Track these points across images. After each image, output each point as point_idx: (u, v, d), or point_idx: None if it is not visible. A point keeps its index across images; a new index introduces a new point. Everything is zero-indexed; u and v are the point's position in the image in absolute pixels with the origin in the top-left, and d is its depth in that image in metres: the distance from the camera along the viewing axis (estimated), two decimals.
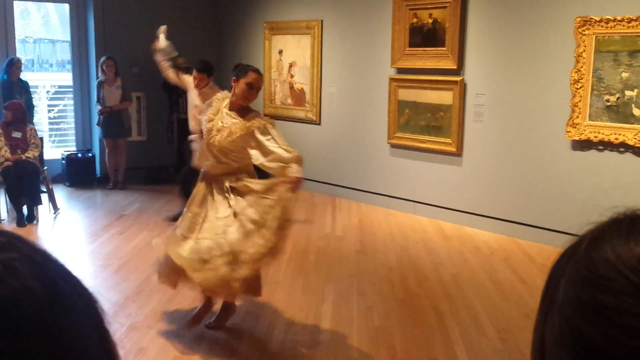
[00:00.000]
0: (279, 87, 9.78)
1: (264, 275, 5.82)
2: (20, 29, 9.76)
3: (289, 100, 9.64)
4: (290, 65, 9.56)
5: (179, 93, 8.69)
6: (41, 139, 8.48)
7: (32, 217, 7.46)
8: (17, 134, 7.57)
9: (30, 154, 7.52)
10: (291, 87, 9.58)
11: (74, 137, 10.02)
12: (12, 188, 7.34)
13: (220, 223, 4.25)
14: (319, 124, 9.25)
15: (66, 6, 9.75)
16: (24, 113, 7.71)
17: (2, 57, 9.06)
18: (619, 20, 6.07)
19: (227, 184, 4.33)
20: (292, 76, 9.56)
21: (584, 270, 0.62)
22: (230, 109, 4.41)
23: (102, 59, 9.16)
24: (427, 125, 7.77)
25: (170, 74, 7.50)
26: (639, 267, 0.58)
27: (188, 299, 5.19)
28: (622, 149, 6.23)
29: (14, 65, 8.57)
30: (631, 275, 0.58)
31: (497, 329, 4.70)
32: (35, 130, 7.81)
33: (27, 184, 7.36)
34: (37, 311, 0.54)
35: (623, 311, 0.57)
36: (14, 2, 9.34)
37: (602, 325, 0.58)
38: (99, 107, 9.20)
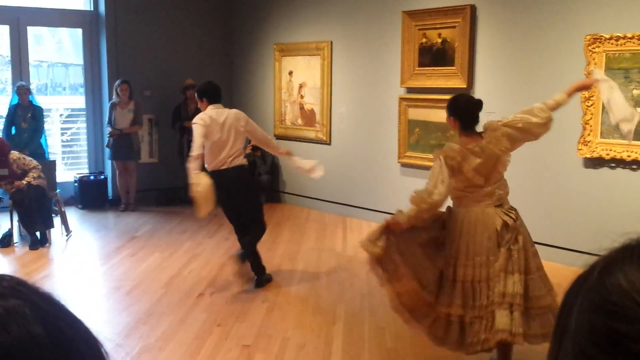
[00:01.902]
0: (289, 108, 9.81)
1: (276, 295, 5.81)
2: (35, 54, 9.87)
3: (299, 121, 9.67)
4: (301, 86, 9.60)
5: (188, 118, 8.80)
6: (53, 161, 8.53)
7: (44, 240, 7.47)
8: (3, 172, 7.28)
9: (30, 177, 7.34)
10: (301, 108, 9.62)
11: (86, 160, 10.08)
12: (22, 214, 7.33)
13: None
14: (329, 144, 9.27)
15: (79, 31, 9.86)
16: (2, 149, 7.35)
17: (16, 80, 9.16)
18: (629, 38, 6.06)
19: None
20: (302, 97, 9.60)
21: (596, 297, 0.62)
22: None
23: (117, 82, 9.23)
24: (437, 145, 7.74)
25: None
26: None
27: (199, 321, 5.18)
28: (634, 166, 6.19)
29: (20, 90, 8.62)
30: None
31: (513, 351, 4.64)
32: (22, 157, 7.46)
33: (36, 208, 7.33)
34: (41, 356, 0.53)
35: (636, 338, 0.57)
36: (28, 27, 9.45)
37: (615, 353, 0.58)
38: (109, 129, 9.25)
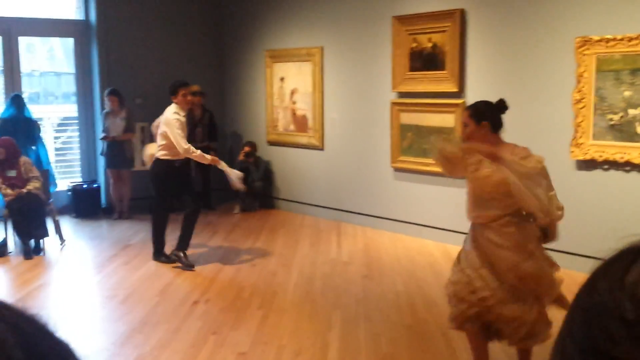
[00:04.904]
0: (282, 114, 9.81)
1: (271, 302, 5.81)
2: (27, 63, 9.86)
3: (292, 127, 9.67)
4: (292, 92, 9.61)
5: (194, 124, 8.95)
6: (46, 170, 8.53)
7: (39, 250, 7.46)
8: (11, 173, 7.51)
9: (31, 186, 7.47)
10: (293, 114, 9.62)
11: (79, 169, 10.07)
12: (18, 222, 7.34)
13: None
14: (322, 149, 9.27)
15: (71, 40, 9.85)
16: (15, 149, 7.62)
17: (9, 90, 9.15)
18: (620, 39, 6.08)
19: None
20: (294, 103, 9.60)
21: (585, 316, 0.62)
22: None
23: (106, 92, 9.24)
24: (430, 149, 7.77)
25: None
26: (636, 314, 0.57)
27: (194, 329, 5.17)
28: (627, 168, 6.21)
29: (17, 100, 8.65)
30: (630, 327, 0.57)
31: (508, 355, 4.65)
32: (30, 163, 7.73)
33: (32, 217, 7.37)
34: None
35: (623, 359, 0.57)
36: (19, 37, 9.44)
37: None
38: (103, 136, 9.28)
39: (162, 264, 7.01)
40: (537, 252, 4.03)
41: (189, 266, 6.83)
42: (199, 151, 6.92)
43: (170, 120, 6.73)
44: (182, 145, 6.70)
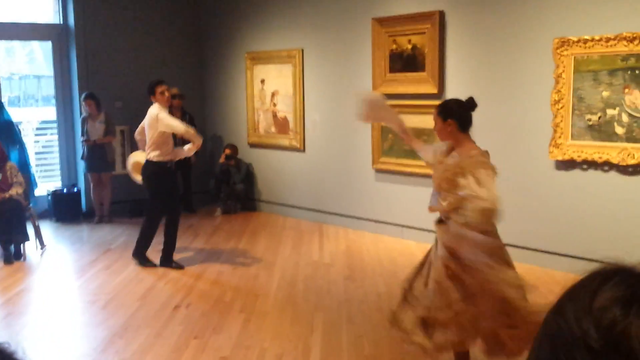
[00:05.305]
0: (263, 116, 9.80)
1: (253, 305, 5.79)
2: (6, 66, 9.78)
3: (273, 129, 9.66)
4: (273, 94, 9.59)
5: None
6: (27, 175, 8.46)
7: (19, 255, 7.39)
8: None
9: (14, 191, 7.44)
10: (274, 116, 9.61)
11: (59, 173, 9.99)
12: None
13: None
14: (304, 151, 9.27)
15: (49, 43, 9.77)
16: (2, 155, 7.60)
17: None
18: (597, 40, 6.13)
19: None
20: (275, 105, 9.59)
21: (552, 343, 0.61)
22: None
23: (82, 96, 9.19)
24: (411, 150, 7.76)
25: None
26: (601, 343, 0.57)
27: (175, 334, 5.15)
28: (606, 168, 6.27)
29: None
30: (596, 357, 0.57)
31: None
32: (15, 169, 7.70)
33: (13, 222, 7.30)
34: None
35: None
36: None
37: None
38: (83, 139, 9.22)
39: (143, 267, 6.98)
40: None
41: (179, 266, 7.00)
42: (193, 129, 7.04)
43: (157, 115, 6.74)
44: (180, 126, 6.83)
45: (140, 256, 7.09)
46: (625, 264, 0.65)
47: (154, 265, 7.01)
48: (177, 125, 6.82)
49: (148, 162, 6.88)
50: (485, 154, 4.01)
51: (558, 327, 0.60)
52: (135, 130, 7.19)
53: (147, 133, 6.86)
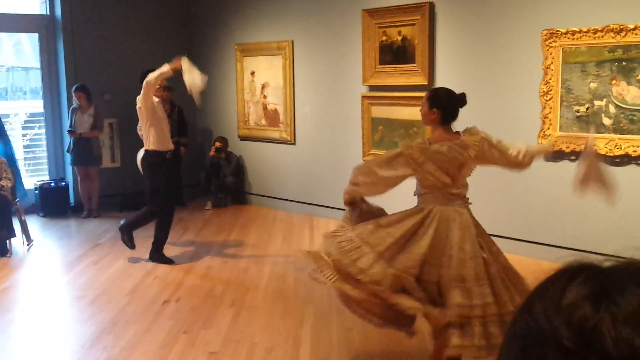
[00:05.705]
0: (253, 108, 9.76)
1: (243, 299, 5.77)
2: None
3: (263, 121, 9.63)
4: (263, 86, 9.55)
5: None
6: (13, 169, 8.39)
7: (5, 251, 7.33)
8: None
9: (2, 183, 7.40)
10: (265, 108, 9.57)
11: (46, 166, 9.92)
12: None
13: None
14: (294, 143, 9.24)
15: (36, 35, 9.67)
16: None
17: None
18: (585, 32, 6.13)
19: None
20: (265, 97, 9.55)
21: (522, 343, 0.60)
22: None
23: (74, 87, 9.10)
24: (401, 141, 7.78)
25: None
26: (574, 341, 0.56)
27: (164, 329, 5.12)
28: None
29: None
30: (568, 356, 0.56)
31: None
32: (5, 164, 7.65)
33: (1, 218, 7.24)
34: None
35: None
36: None
37: None
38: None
39: (136, 263, 6.95)
40: None
41: (169, 261, 6.94)
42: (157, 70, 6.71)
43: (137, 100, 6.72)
44: (151, 75, 6.66)
45: (160, 256, 6.94)
46: (592, 260, 0.64)
47: (172, 262, 6.89)
48: (148, 79, 6.62)
49: (147, 152, 6.81)
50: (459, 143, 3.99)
51: (527, 327, 0.59)
52: (123, 122, 7.18)
53: (140, 123, 6.84)
